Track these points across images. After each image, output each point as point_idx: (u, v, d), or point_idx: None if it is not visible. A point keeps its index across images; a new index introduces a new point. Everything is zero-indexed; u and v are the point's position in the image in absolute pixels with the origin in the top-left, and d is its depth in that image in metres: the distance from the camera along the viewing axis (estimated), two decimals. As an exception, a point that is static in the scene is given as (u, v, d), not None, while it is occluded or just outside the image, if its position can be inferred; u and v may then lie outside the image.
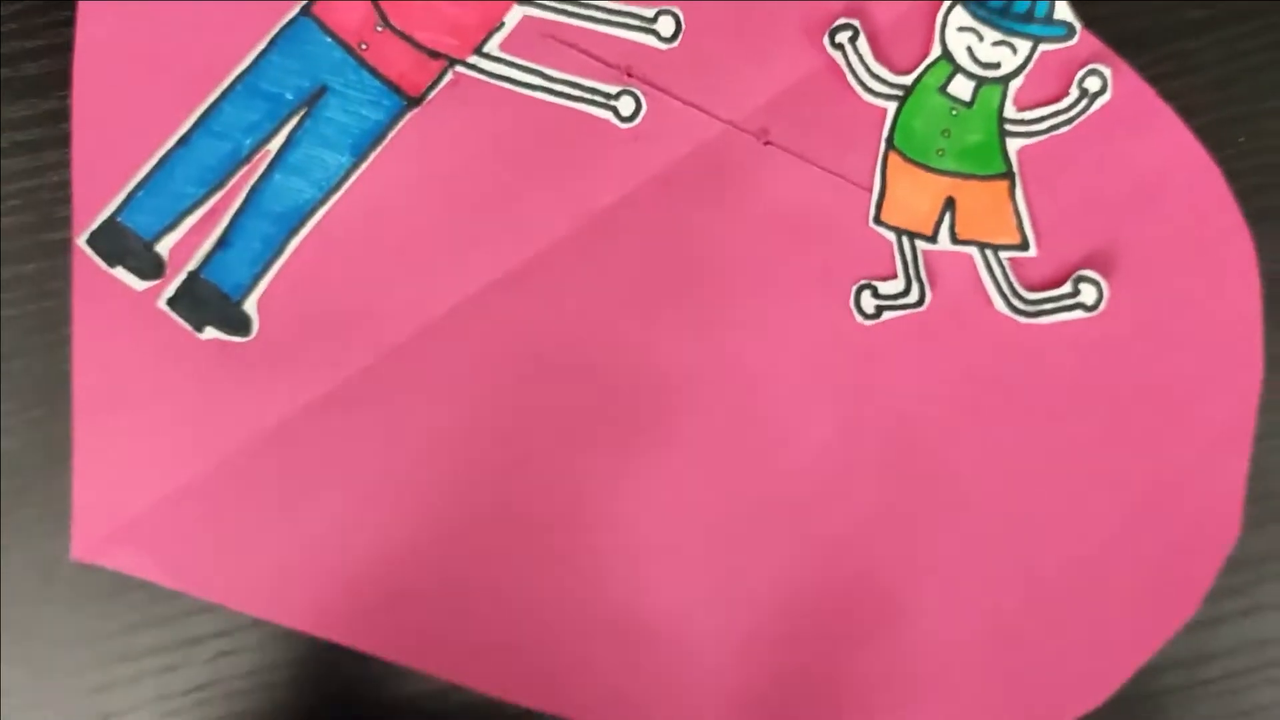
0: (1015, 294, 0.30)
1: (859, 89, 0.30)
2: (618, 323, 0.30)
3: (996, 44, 0.30)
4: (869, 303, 0.30)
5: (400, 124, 0.29)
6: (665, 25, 0.29)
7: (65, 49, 0.29)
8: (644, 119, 0.29)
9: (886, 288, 0.30)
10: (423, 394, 0.30)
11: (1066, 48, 0.30)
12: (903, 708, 0.30)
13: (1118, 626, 0.31)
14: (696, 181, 0.30)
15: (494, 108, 0.29)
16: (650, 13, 0.29)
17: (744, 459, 0.30)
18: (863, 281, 0.30)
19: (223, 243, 0.29)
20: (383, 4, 0.29)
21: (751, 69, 0.30)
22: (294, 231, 0.29)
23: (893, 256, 0.30)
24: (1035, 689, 0.30)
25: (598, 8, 0.29)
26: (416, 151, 0.29)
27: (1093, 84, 0.30)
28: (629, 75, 0.29)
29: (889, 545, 0.30)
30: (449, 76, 0.29)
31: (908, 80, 0.30)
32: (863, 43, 0.30)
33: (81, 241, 0.29)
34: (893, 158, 0.30)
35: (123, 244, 0.29)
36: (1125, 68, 0.30)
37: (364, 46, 0.29)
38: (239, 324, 0.29)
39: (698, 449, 0.30)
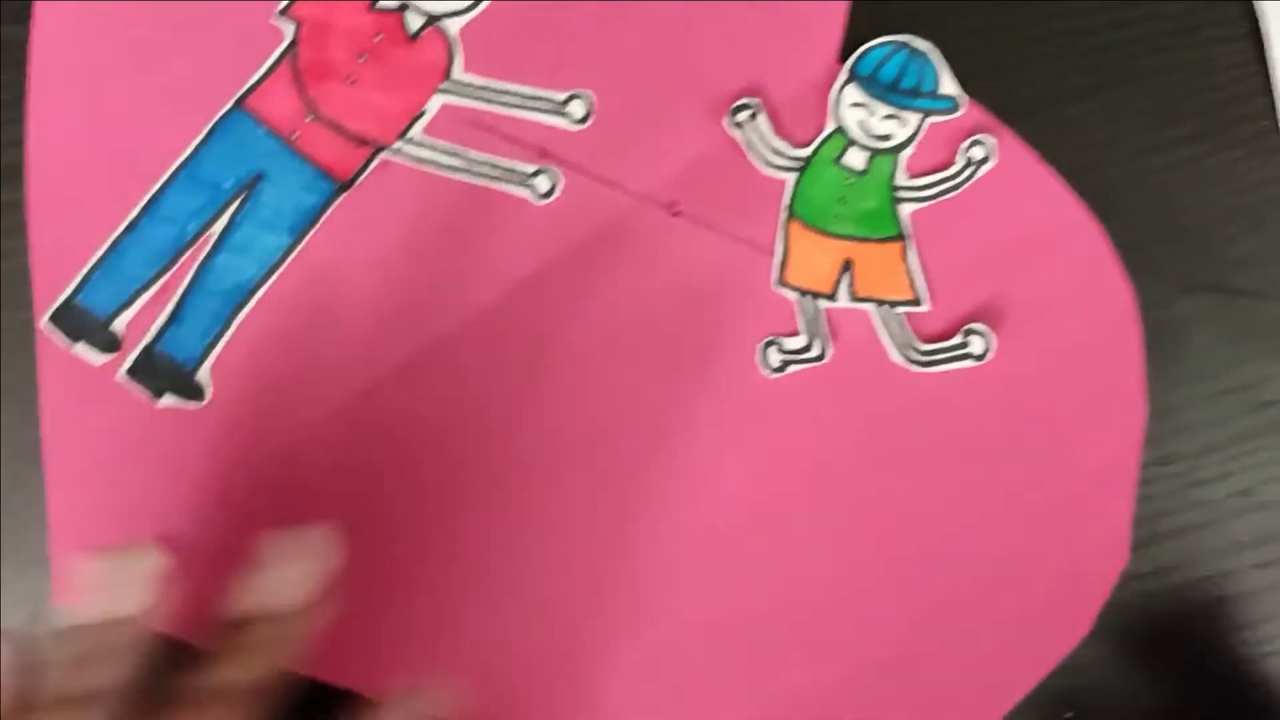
0: (910, 346, 0.32)
1: (759, 164, 0.32)
2: (542, 384, 0.32)
3: (887, 117, 0.32)
4: (775, 357, 0.32)
5: (333, 206, 0.32)
6: (576, 108, 0.31)
7: (17, 144, 0.32)
8: (560, 195, 0.32)
9: (790, 343, 0.32)
10: (368, 447, 0.32)
11: (953, 119, 0.32)
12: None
13: (1014, 649, 0.33)
14: (611, 251, 0.32)
15: (419, 188, 0.32)
16: (562, 97, 0.31)
17: (664, 509, 0.32)
18: (768, 338, 0.32)
19: (174, 318, 0.32)
20: (312, 96, 0.31)
21: (659, 145, 0.32)
22: (240, 306, 0.32)
23: (795, 315, 0.32)
24: (932, 716, 0.33)
25: (513, 94, 0.31)
26: (349, 230, 0.32)
27: (977, 153, 0.32)
28: (544, 155, 0.32)
29: (798, 582, 0.33)
30: (376, 161, 0.31)
31: (806, 153, 0.32)
32: (762, 120, 0.32)
33: (43, 322, 0.32)
34: (793, 224, 0.32)
35: (82, 323, 0.32)
36: (1009, 135, 0.32)
37: (296, 135, 0.31)
38: (194, 391, 0.32)
39: (620, 505, 0.32)
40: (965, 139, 0.32)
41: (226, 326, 0.32)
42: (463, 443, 0.32)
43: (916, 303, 0.32)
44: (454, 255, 0.32)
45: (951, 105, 0.32)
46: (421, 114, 0.31)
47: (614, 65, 0.32)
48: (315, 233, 0.32)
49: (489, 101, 0.31)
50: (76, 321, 0.31)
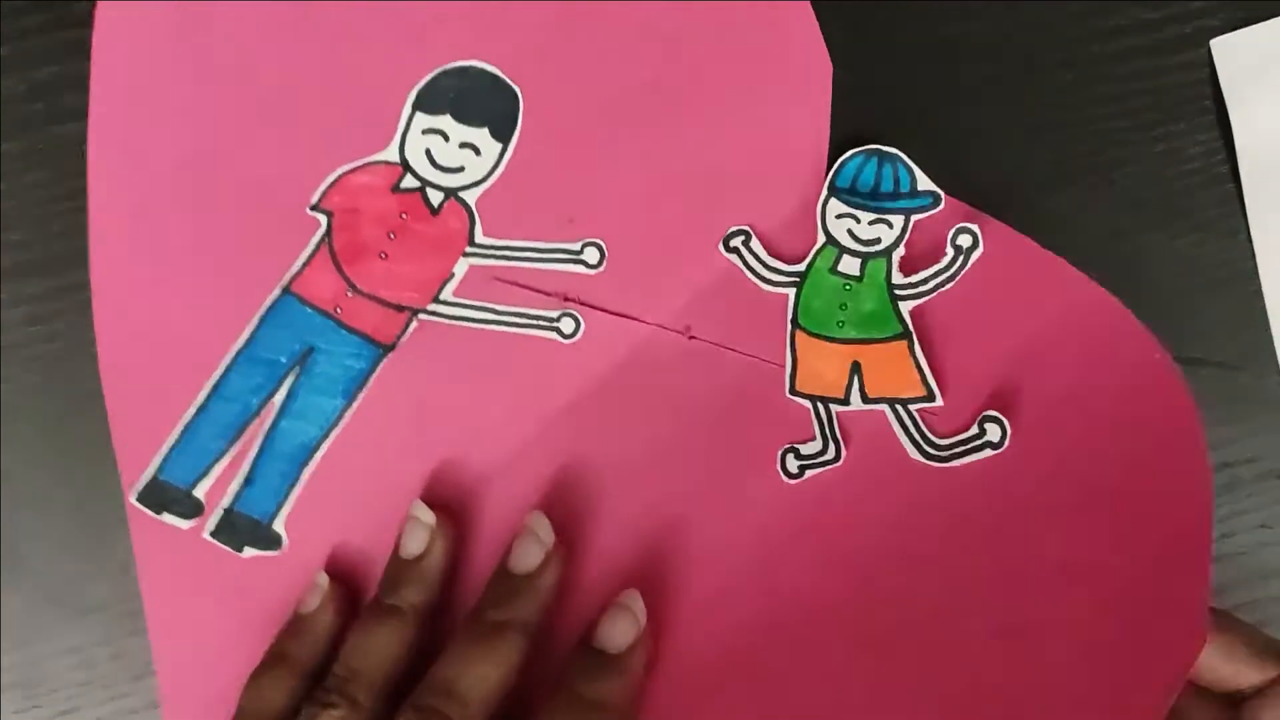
0: (928, 442, 0.34)
1: (759, 283, 0.34)
2: (582, 508, 0.35)
3: (873, 223, 0.34)
4: (793, 464, 0.35)
5: (380, 367, 0.35)
6: (590, 254, 0.34)
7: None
8: (584, 334, 0.34)
9: (807, 449, 0.35)
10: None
11: (936, 213, 0.34)
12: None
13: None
14: (636, 379, 0.35)
15: (456, 343, 0.35)
16: (577, 246, 0.34)
17: (698, 619, 0.35)
18: (786, 446, 0.35)
19: (248, 481, 0.35)
20: (350, 274, 0.34)
21: (669, 277, 0.35)
22: (305, 463, 0.35)
23: (811, 421, 0.35)
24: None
25: (531, 250, 0.34)
26: (397, 387, 0.35)
27: (964, 241, 0.34)
28: (565, 300, 0.35)
29: (843, 683, 0.34)
30: (415, 324, 0.34)
31: (801, 268, 0.34)
32: (755, 243, 0.34)
33: (133, 499, 0.35)
34: (799, 335, 0.35)
35: (166, 495, 0.35)
36: (994, 222, 0.34)
37: (339, 310, 0.34)
38: (272, 542, 0.35)
39: (655, 616, 0.34)
40: (950, 230, 0.34)
41: (295, 483, 0.35)
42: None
43: (930, 398, 0.34)
44: (494, 398, 0.35)
45: (932, 201, 0.34)
46: (450, 277, 0.34)
47: (620, 212, 0.34)
48: (366, 392, 0.35)
49: (510, 259, 0.34)
50: (161, 495, 0.35)
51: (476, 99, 0.34)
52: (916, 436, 0.34)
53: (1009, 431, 0.33)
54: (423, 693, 0.31)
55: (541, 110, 0.34)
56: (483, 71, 0.34)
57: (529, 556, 0.33)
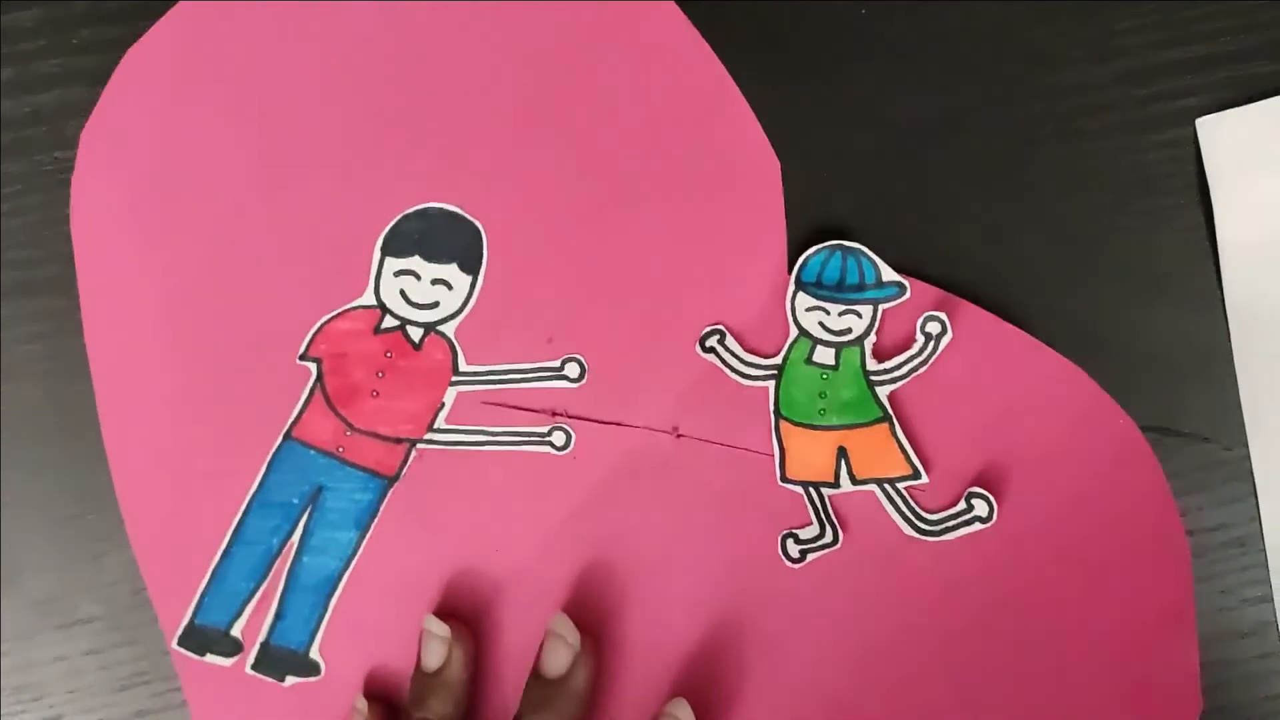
0: (918, 518, 0.35)
1: (737, 378, 0.35)
2: (596, 608, 0.36)
3: (842, 314, 0.35)
4: (793, 549, 0.35)
5: (388, 497, 0.36)
6: (572, 370, 0.35)
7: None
8: (576, 444, 0.36)
9: (805, 533, 0.35)
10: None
11: (904, 301, 0.35)
12: None
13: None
14: (630, 482, 0.36)
15: (456, 465, 0.36)
16: (558, 363, 0.35)
17: (717, 705, 0.36)
18: (785, 531, 0.36)
19: (280, 615, 0.37)
20: (346, 415, 0.36)
21: (652, 382, 0.36)
22: (331, 594, 0.37)
23: (805, 507, 0.36)
24: None
25: (515, 371, 0.35)
26: (406, 512, 0.36)
27: (933, 328, 0.35)
28: (554, 415, 0.36)
29: None
30: (414, 454, 0.36)
31: (778, 360, 0.35)
32: (730, 341, 0.35)
33: (174, 645, 0.37)
34: (784, 424, 0.35)
35: (205, 638, 0.37)
36: (967, 305, 0.35)
37: (341, 449, 0.36)
38: (310, 669, 0.37)
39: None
40: (920, 318, 0.35)
41: (324, 612, 0.37)
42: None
43: (916, 475, 0.35)
44: (499, 513, 0.36)
45: (897, 291, 0.35)
46: (442, 406, 0.36)
47: (595, 325, 0.35)
48: (378, 521, 0.36)
49: (496, 382, 0.36)
50: (200, 638, 0.37)
51: (440, 237, 0.35)
52: (907, 513, 0.35)
53: (995, 506, 0.34)
54: None
55: (505, 238, 0.35)
56: (442, 211, 0.35)
57: (558, 660, 0.34)
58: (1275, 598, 0.36)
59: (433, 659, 0.35)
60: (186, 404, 0.36)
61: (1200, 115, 0.36)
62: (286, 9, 0.35)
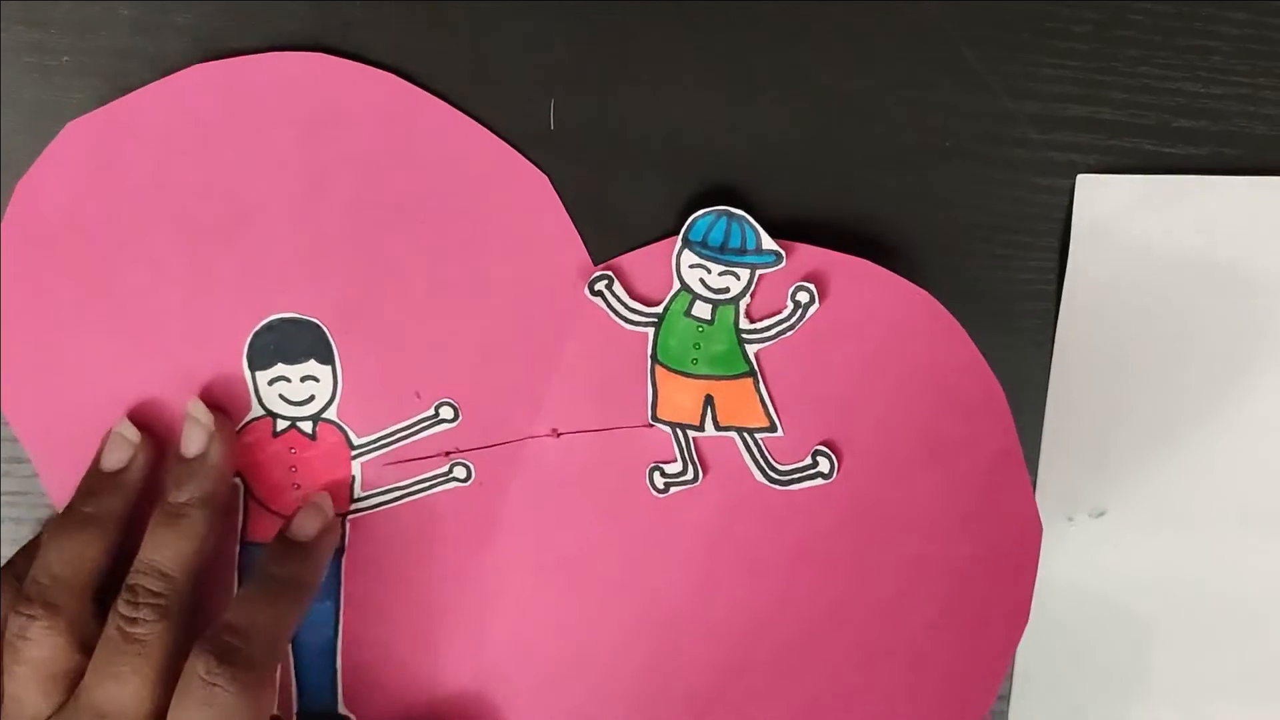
0: (770, 467, 0.38)
1: (620, 322, 0.38)
2: (524, 589, 0.40)
3: (722, 274, 0.37)
4: (659, 480, 0.39)
5: (343, 566, 0.40)
6: (446, 412, 0.39)
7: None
8: (476, 473, 0.39)
9: (670, 469, 0.38)
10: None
11: (779, 270, 0.37)
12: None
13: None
14: (534, 484, 0.39)
15: (386, 522, 0.40)
16: (432, 410, 0.39)
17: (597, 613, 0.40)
18: (652, 464, 0.39)
19: (301, 688, 0.40)
20: (279, 510, 0.39)
21: (519, 396, 0.39)
22: (334, 657, 0.41)
23: (672, 445, 0.38)
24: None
25: (398, 430, 0.39)
26: (363, 572, 0.40)
27: (802, 297, 0.37)
28: (448, 454, 0.39)
29: (703, 677, 0.40)
30: (348, 525, 0.40)
31: (659, 310, 0.38)
32: (618, 287, 0.38)
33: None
34: (658, 369, 0.38)
35: None
36: (847, 261, 0.37)
37: (289, 538, 0.40)
38: (343, 727, 0.42)
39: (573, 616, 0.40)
40: (790, 286, 0.37)
41: (335, 672, 0.41)
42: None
43: (772, 428, 0.38)
44: (434, 550, 0.40)
45: (774, 259, 0.37)
46: (353, 479, 0.39)
47: (451, 366, 0.39)
48: (343, 587, 0.40)
49: (388, 444, 0.39)
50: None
51: (290, 341, 0.38)
52: (761, 462, 0.38)
53: (837, 465, 0.37)
54: (131, 575, 0.34)
55: (342, 324, 0.38)
56: (282, 320, 0.38)
57: (195, 441, 0.36)
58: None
59: (113, 460, 0.36)
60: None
61: (1084, 172, 0.39)
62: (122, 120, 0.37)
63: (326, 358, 0.38)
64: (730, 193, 0.39)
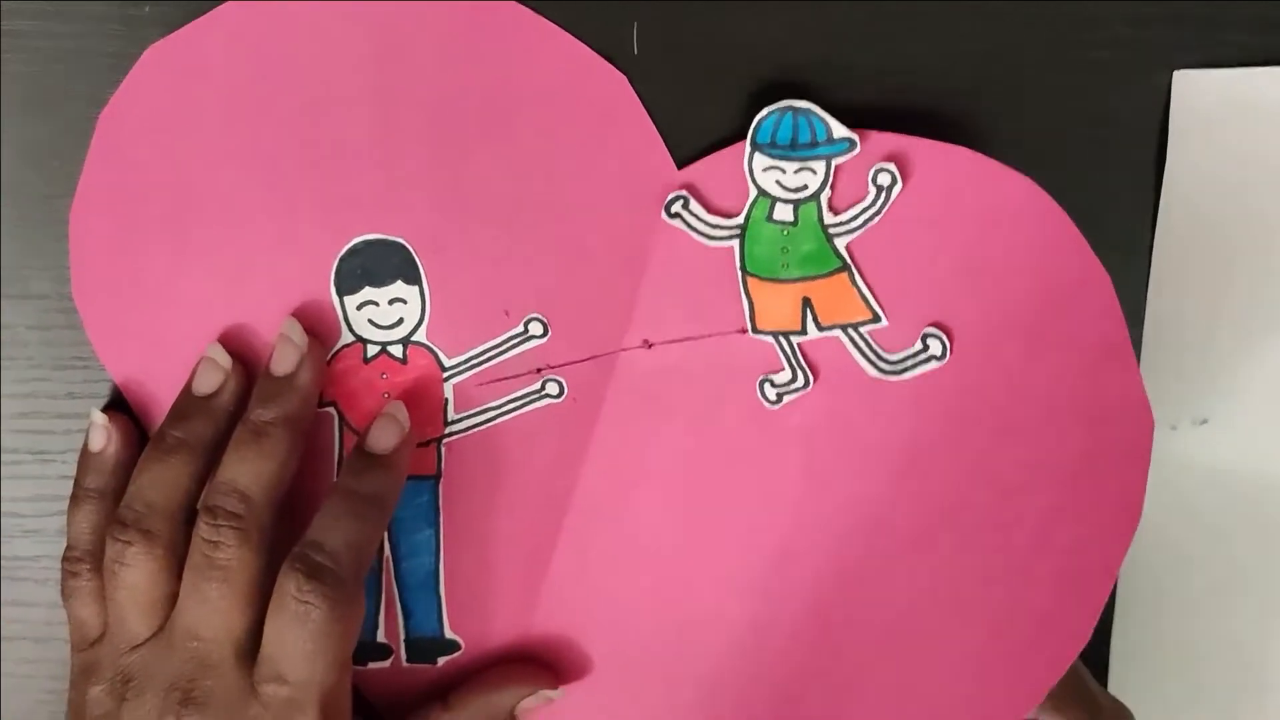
0: (880, 359, 0.37)
1: (703, 240, 0.37)
2: (620, 509, 0.39)
3: (798, 171, 0.36)
4: (770, 392, 0.38)
5: (440, 491, 0.40)
6: (535, 328, 0.38)
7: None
8: (569, 389, 0.39)
9: (779, 379, 0.38)
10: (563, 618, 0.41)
11: (855, 155, 0.36)
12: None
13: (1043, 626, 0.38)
14: (626, 401, 0.39)
15: (482, 444, 0.39)
16: (521, 327, 0.38)
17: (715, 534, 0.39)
18: (762, 376, 0.38)
19: (408, 615, 0.41)
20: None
21: (607, 310, 0.38)
22: (437, 582, 0.41)
23: (778, 355, 0.37)
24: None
25: (489, 349, 0.39)
26: (461, 496, 0.40)
27: (884, 179, 0.36)
28: (539, 371, 0.38)
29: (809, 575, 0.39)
30: (444, 449, 0.39)
31: (740, 220, 0.37)
32: (695, 205, 0.37)
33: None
34: (750, 280, 0.37)
35: (359, 652, 0.41)
36: (924, 142, 0.36)
37: (385, 469, 0.40)
38: (452, 647, 0.42)
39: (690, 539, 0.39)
40: (871, 169, 0.36)
41: (439, 598, 0.41)
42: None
43: (875, 319, 0.37)
44: (532, 470, 0.39)
45: (848, 146, 0.35)
46: (446, 402, 0.39)
47: (539, 281, 0.38)
48: (443, 513, 0.40)
49: (479, 364, 0.39)
50: (357, 653, 0.40)
51: (377, 263, 0.38)
52: (870, 355, 0.37)
53: (949, 345, 0.36)
54: (210, 495, 0.34)
55: (428, 243, 0.38)
56: (368, 242, 0.38)
57: (286, 360, 0.36)
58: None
59: (206, 385, 0.36)
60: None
61: (1179, 69, 0.38)
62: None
63: (414, 278, 0.38)
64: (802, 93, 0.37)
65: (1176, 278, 0.39)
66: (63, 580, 0.36)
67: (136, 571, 0.34)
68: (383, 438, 0.36)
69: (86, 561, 0.36)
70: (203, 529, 0.34)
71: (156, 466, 0.35)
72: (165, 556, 0.34)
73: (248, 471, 0.34)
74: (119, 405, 0.39)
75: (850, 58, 0.38)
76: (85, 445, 0.37)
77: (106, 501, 0.36)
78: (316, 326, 0.38)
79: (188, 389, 0.37)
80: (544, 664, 0.40)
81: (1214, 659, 0.42)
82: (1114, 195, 0.39)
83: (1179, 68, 0.38)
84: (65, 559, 0.36)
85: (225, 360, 0.37)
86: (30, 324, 0.40)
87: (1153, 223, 0.39)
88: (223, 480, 0.34)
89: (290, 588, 0.33)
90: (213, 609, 0.34)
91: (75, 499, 0.37)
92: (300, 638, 0.33)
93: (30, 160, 0.39)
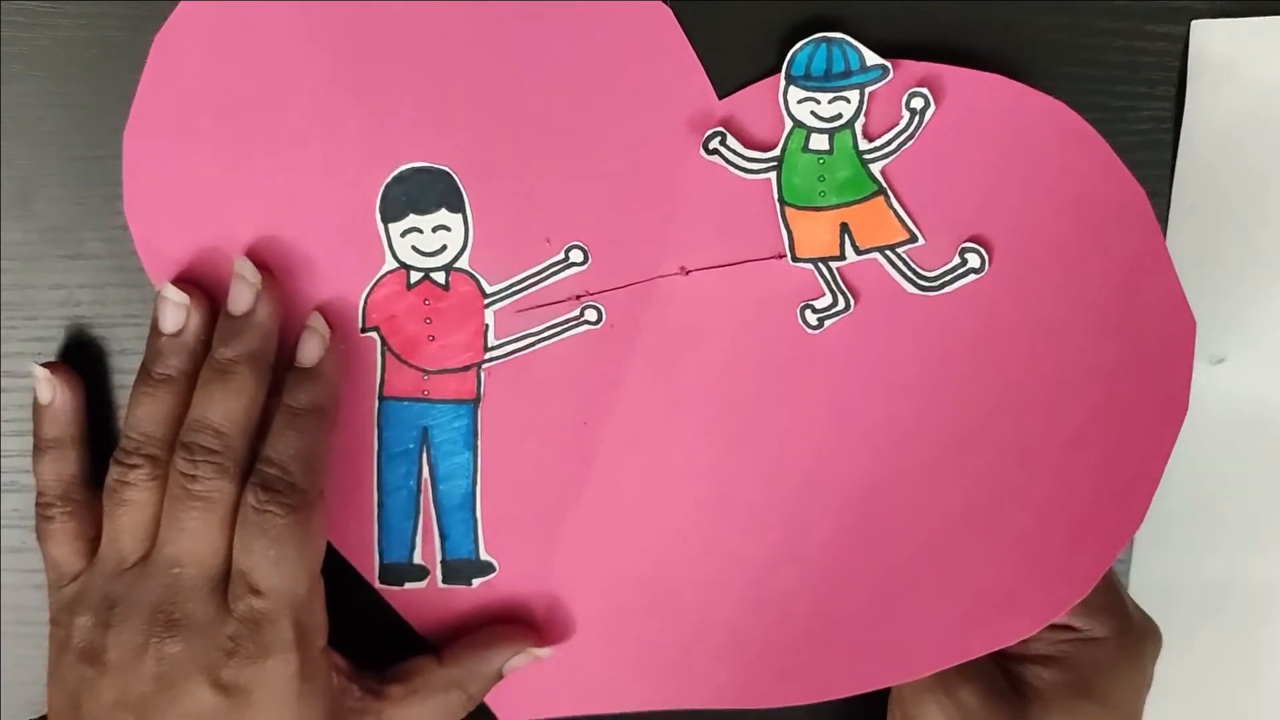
0: (920, 276, 0.38)
1: (741, 174, 0.38)
2: (658, 440, 0.40)
3: (832, 101, 0.37)
4: (811, 317, 0.39)
5: (480, 415, 0.41)
6: (576, 255, 0.39)
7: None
8: (607, 315, 0.40)
9: (819, 304, 0.39)
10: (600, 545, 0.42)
11: (888, 82, 0.37)
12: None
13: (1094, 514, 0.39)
14: (663, 326, 0.40)
15: (521, 369, 0.40)
16: (562, 254, 0.39)
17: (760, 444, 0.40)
18: (802, 303, 0.39)
19: (444, 536, 0.43)
20: (417, 364, 0.40)
21: (647, 236, 0.39)
22: (474, 505, 0.42)
23: (817, 281, 0.38)
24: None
25: (530, 276, 0.39)
26: (499, 421, 0.41)
27: (917, 103, 0.37)
28: (579, 298, 0.39)
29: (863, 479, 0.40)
30: (484, 374, 0.40)
31: (776, 152, 0.38)
32: (731, 140, 0.38)
33: (377, 583, 0.44)
34: (789, 210, 0.38)
35: (398, 572, 0.43)
36: (953, 70, 0.37)
37: (426, 392, 0.41)
38: (487, 569, 0.43)
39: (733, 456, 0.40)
40: (904, 94, 0.36)
41: (476, 521, 0.42)
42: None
43: (913, 239, 0.38)
44: (570, 394, 0.40)
45: (881, 74, 0.36)
46: (486, 327, 0.40)
47: (580, 210, 0.39)
48: (482, 436, 0.41)
49: (520, 291, 0.39)
50: (393, 574, 0.43)
51: (421, 191, 0.39)
52: (909, 273, 0.38)
53: (987, 258, 0.37)
54: (185, 433, 0.36)
55: (472, 171, 0.39)
56: (413, 170, 0.39)
57: (242, 299, 0.37)
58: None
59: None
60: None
61: (1197, 18, 0.39)
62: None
63: (457, 206, 0.39)
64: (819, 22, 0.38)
65: (1194, 221, 0.40)
66: (38, 525, 0.37)
67: (139, 490, 0.36)
68: (307, 351, 0.38)
69: (58, 505, 0.37)
70: (180, 464, 0.35)
71: (146, 400, 0.36)
72: (165, 480, 0.36)
73: (218, 409, 0.36)
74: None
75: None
76: (35, 400, 0.38)
77: (65, 448, 0.38)
78: (359, 254, 0.39)
79: (155, 328, 0.37)
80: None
81: (1230, 593, 0.44)
82: (1137, 143, 0.40)
83: (1196, 17, 0.39)
84: (38, 504, 0.38)
85: (181, 297, 0.37)
86: (83, 283, 0.41)
87: (1171, 167, 0.40)
88: (195, 418, 0.36)
89: (250, 500, 0.35)
90: (191, 536, 0.35)
91: (37, 450, 0.38)
92: (264, 545, 0.35)
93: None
